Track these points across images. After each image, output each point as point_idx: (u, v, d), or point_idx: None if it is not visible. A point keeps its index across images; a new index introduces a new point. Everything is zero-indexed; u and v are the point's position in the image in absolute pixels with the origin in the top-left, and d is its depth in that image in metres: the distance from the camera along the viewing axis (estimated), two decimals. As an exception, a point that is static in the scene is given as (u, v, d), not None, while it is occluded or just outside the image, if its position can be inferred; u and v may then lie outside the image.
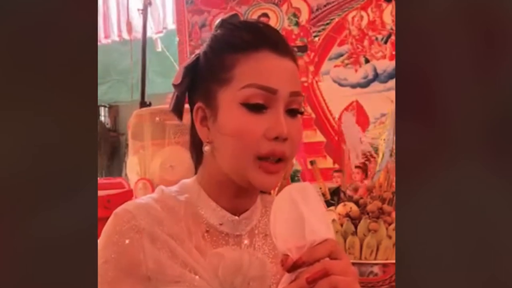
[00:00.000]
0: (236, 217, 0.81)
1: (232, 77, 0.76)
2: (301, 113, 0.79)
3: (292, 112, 0.77)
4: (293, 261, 0.65)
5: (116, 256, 0.74)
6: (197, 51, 0.83)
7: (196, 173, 0.86)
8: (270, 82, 0.75)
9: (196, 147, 0.84)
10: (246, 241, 0.81)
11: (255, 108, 0.75)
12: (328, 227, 0.68)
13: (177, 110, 0.85)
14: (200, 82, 0.80)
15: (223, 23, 0.82)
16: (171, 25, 3.21)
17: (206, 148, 0.79)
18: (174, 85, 0.82)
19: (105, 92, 4.87)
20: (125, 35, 3.31)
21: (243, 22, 0.82)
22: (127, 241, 0.74)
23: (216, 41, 0.80)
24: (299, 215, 0.66)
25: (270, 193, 0.91)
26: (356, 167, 1.66)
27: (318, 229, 0.66)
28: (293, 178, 1.87)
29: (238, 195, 0.80)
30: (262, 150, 0.74)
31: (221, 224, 0.80)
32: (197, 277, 0.75)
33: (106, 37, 3.38)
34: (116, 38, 3.40)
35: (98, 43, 3.34)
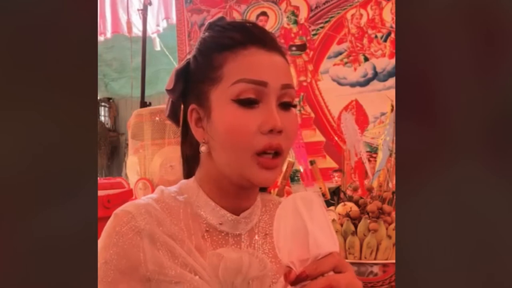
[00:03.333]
0: (236, 216, 0.81)
1: (222, 75, 0.76)
2: (294, 106, 0.80)
3: (285, 105, 0.78)
4: (297, 275, 0.64)
5: (116, 257, 0.74)
6: (188, 56, 0.84)
7: (185, 173, 0.87)
8: (259, 75, 0.75)
9: (190, 148, 0.84)
10: (246, 241, 0.81)
11: (247, 103, 0.75)
12: (333, 239, 0.67)
13: (174, 116, 0.86)
14: (192, 84, 0.81)
15: (210, 25, 0.83)
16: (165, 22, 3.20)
17: (202, 148, 0.80)
18: (168, 90, 0.83)
19: (120, 87, 4.91)
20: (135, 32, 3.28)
21: (230, 23, 0.82)
22: (127, 242, 0.74)
23: (204, 44, 0.81)
24: (303, 227, 0.65)
25: (270, 192, 0.91)
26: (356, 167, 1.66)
27: (322, 242, 0.65)
28: (293, 178, 1.87)
29: (237, 195, 0.80)
30: (258, 144, 0.74)
31: (220, 224, 0.80)
32: (197, 277, 0.75)
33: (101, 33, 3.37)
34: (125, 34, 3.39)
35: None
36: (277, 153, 0.76)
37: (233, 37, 0.78)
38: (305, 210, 0.66)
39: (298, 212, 0.66)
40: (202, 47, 0.81)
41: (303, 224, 0.65)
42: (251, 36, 0.78)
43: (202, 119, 0.80)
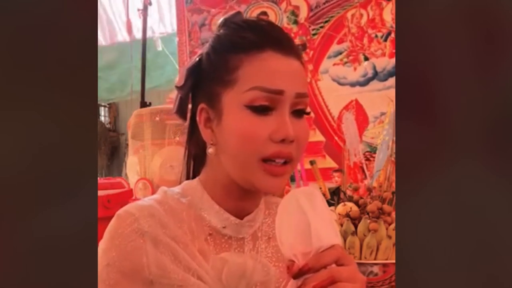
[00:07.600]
0: (240, 220, 0.80)
1: (236, 79, 0.74)
2: (308, 113, 0.78)
3: (298, 113, 0.76)
4: (299, 268, 0.64)
5: (118, 259, 0.73)
6: (199, 52, 0.81)
7: (187, 173, 0.86)
8: (275, 84, 0.73)
9: (196, 147, 0.83)
10: (249, 244, 0.80)
11: (260, 110, 0.73)
12: (335, 232, 0.67)
13: (181, 112, 0.84)
14: (203, 83, 0.79)
15: (226, 22, 0.80)
16: (172, 26, 3.20)
17: (210, 150, 0.78)
18: (177, 87, 0.80)
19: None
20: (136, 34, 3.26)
21: (246, 21, 0.79)
22: (129, 244, 0.73)
23: (219, 42, 0.79)
24: (305, 221, 0.65)
25: (273, 195, 0.90)
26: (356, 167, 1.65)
27: (325, 235, 0.64)
28: (293, 178, 1.87)
29: (242, 198, 0.79)
30: (268, 152, 0.73)
31: (224, 227, 0.79)
32: (200, 281, 0.74)
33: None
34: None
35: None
36: (287, 162, 0.74)
37: (249, 38, 0.75)
38: (307, 204, 0.66)
39: (300, 206, 0.66)
40: (216, 45, 0.78)
41: (305, 217, 0.65)
42: (268, 37, 0.75)
43: (212, 120, 0.77)
